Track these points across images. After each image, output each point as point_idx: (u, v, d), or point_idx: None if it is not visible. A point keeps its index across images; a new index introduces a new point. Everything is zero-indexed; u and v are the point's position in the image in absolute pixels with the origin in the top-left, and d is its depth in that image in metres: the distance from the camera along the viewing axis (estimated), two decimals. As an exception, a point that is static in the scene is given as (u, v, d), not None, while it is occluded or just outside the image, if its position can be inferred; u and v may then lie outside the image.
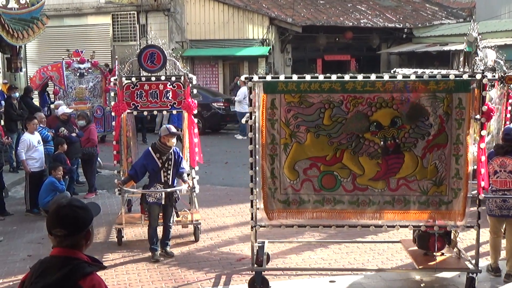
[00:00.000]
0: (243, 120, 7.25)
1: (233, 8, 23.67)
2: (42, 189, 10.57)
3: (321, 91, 6.60)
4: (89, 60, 17.98)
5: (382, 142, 6.67)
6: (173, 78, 9.25)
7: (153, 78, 9.20)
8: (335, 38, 24.14)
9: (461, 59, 8.20)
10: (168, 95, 9.23)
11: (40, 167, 10.94)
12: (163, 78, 9.25)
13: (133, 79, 9.17)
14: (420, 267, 7.18)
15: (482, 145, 6.66)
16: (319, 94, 6.63)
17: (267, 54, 22.74)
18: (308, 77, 6.63)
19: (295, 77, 6.65)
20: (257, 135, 6.78)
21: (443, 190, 6.74)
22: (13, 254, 8.64)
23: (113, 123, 9.45)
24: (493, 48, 9.23)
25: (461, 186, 6.68)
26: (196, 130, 9.50)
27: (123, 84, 9.05)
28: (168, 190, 8.35)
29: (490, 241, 7.46)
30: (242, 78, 21.16)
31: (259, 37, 23.26)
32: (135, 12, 25.21)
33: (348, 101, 6.64)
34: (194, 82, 9.55)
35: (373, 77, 6.59)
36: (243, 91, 19.65)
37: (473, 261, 6.95)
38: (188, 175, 9.12)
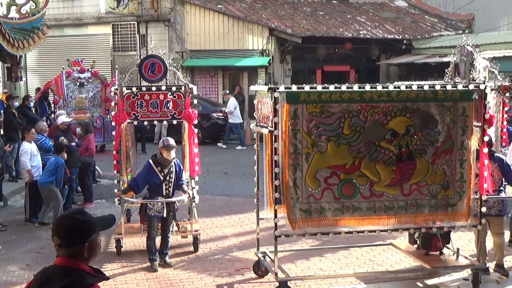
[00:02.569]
0: (265, 131, 7.26)
1: (233, 18, 23.73)
2: (50, 165, 10.53)
3: (341, 101, 6.79)
4: (89, 69, 18.03)
5: (397, 150, 6.96)
6: (174, 88, 9.27)
7: (153, 88, 9.22)
8: (335, 49, 24.18)
9: (447, 70, 8.55)
10: (168, 105, 9.24)
11: (39, 175, 10.94)
12: (163, 88, 9.28)
13: (134, 89, 9.19)
14: (433, 266, 7.49)
15: (485, 150, 7.10)
16: (338, 104, 6.80)
17: (267, 64, 22.76)
18: (331, 87, 6.78)
19: (319, 88, 6.80)
20: (262, 144, 6.89)
21: (450, 193, 7.14)
22: (12, 263, 8.62)
23: (113, 132, 9.47)
24: (487, 58, 9.52)
25: (465, 189, 7.14)
26: (196, 140, 9.52)
27: (124, 93, 9.08)
28: (168, 200, 8.36)
29: (475, 243, 7.92)
30: (227, 91, 21.87)
31: (258, 47, 23.30)
32: (135, 22, 25.26)
33: (365, 110, 6.87)
34: (195, 92, 9.57)
35: (391, 87, 6.90)
36: (232, 102, 19.87)
37: (473, 259, 7.55)
38: (187, 184, 9.11)
